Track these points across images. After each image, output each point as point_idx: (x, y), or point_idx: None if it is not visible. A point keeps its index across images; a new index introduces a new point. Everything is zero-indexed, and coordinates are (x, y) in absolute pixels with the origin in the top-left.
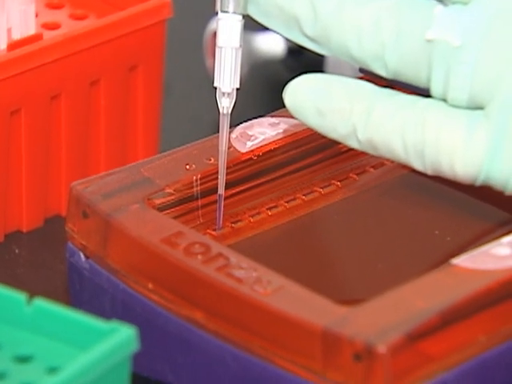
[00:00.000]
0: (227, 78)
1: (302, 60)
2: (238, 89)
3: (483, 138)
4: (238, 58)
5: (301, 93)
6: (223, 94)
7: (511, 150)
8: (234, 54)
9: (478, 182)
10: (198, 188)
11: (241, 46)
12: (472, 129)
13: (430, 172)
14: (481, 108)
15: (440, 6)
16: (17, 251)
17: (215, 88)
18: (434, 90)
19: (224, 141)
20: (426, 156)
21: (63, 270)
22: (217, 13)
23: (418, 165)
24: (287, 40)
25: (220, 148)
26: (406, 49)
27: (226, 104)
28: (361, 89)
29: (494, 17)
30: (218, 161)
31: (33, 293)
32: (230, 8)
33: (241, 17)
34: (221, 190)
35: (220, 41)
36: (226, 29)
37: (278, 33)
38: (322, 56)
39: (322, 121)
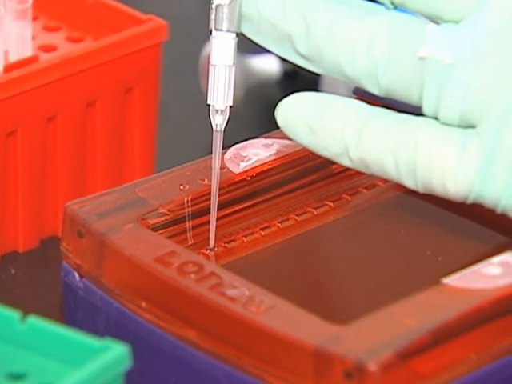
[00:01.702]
0: (220, 95)
1: (297, 82)
2: (231, 107)
3: (475, 157)
4: (231, 76)
5: (292, 111)
6: (216, 111)
7: (502, 169)
8: (228, 72)
9: (470, 201)
10: (192, 208)
11: (234, 64)
12: (464, 147)
13: (421, 190)
14: (472, 126)
15: (432, 24)
16: (13, 271)
17: (209, 107)
18: (425, 108)
19: (217, 158)
20: (418, 174)
21: (59, 290)
22: (211, 31)
23: (409, 183)
24: (282, 62)
25: (213, 165)
26: (399, 67)
27: (219, 121)
28: (353, 107)
29: (485, 37)
30: (211, 181)
31: (29, 312)
32: (224, 26)
33: (234, 35)
34: (213, 209)
35: (214, 59)
36: (220, 47)
37: (271, 51)
38: (317, 78)
39: (314, 139)
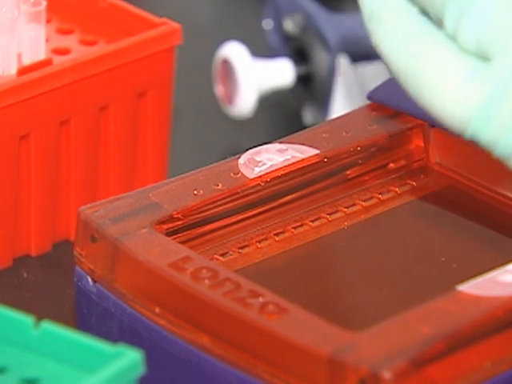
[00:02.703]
0: None
1: (311, 86)
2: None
3: (480, 88)
4: None
5: None
6: None
7: (507, 109)
8: None
9: (468, 135)
10: (206, 213)
11: None
12: (472, 75)
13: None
14: (488, 60)
15: None
16: (25, 275)
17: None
18: (447, 26)
19: None
20: (423, 92)
21: (71, 294)
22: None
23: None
24: (296, 66)
25: None
26: None
27: None
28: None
29: None
30: (225, 186)
31: (41, 316)
32: None
33: None
34: None
35: None
36: None
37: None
38: (331, 82)
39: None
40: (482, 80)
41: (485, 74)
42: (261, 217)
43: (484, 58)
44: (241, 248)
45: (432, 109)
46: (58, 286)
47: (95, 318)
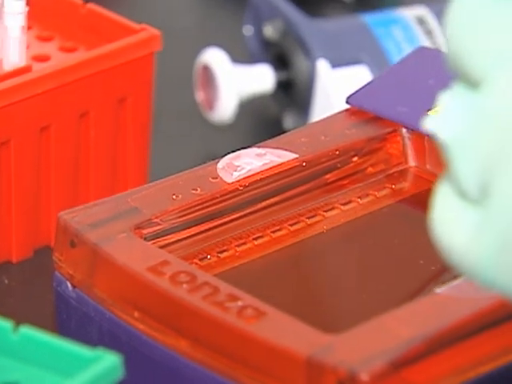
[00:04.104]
0: None
1: (291, 92)
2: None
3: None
4: None
5: None
6: None
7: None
8: None
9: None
10: (184, 218)
11: None
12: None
13: None
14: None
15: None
16: (6, 282)
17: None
18: None
19: None
20: None
21: (52, 299)
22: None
23: None
24: (276, 72)
25: None
26: None
27: None
28: None
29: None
30: (204, 191)
31: (22, 322)
32: None
33: None
34: None
35: None
36: None
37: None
38: (311, 88)
39: None
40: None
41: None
42: (239, 221)
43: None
44: (220, 252)
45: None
46: (40, 292)
47: (75, 322)
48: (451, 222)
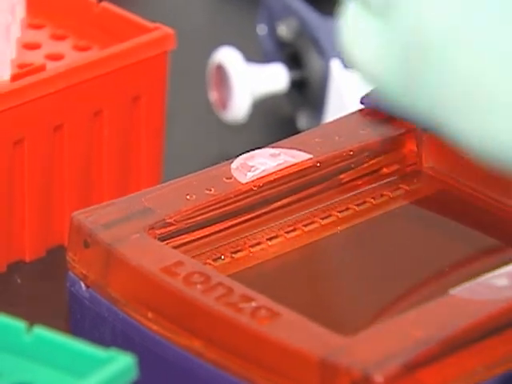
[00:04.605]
0: None
1: (305, 92)
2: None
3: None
4: None
5: None
6: None
7: None
8: None
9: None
10: (198, 218)
11: None
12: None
13: None
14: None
15: None
16: (19, 281)
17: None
18: None
19: None
20: None
21: (65, 299)
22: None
23: None
24: (290, 71)
25: None
26: None
27: None
28: None
29: None
30: (218, 191)
31: (35, 322)
32: None
33: None
34: None
35: None
36: None
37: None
38: (325, 87)
39: None
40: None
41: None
42: (253, 221)
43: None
44: (233, 253)
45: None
46: (52, 292)
47: (88, 323)
48: (358, 35)
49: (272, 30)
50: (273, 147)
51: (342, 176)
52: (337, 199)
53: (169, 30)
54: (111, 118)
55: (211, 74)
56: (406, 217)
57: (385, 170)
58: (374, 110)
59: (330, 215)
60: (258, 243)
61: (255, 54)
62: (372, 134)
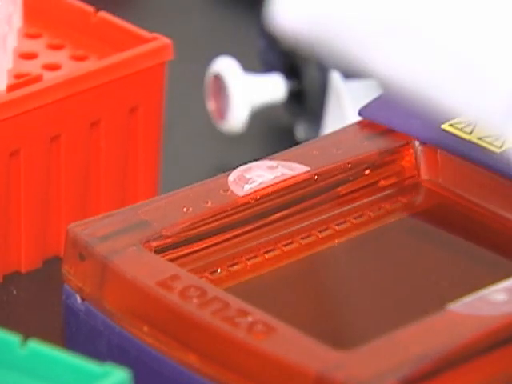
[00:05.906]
0: None
1: (303, 104)
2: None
3: None
4: None
5: None
6: None
7: None
8: None
9: None
10: (195, 231)
11: None
12: None
13: None
14: None
15: None
16: (15, 292)
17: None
18: None
19: None
20: None
21: (61, 311)
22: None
23: None
24: (288, 81)
25: None
26: None
27: None
28: None
29: None
30: (215, 204)
31: (30, 334)
32: None
33: None
34: None
35: None
36: None
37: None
38: (323, 98)
39: None
40: None
41: None
42: (250, 234)
43: None
44: (230, 266)
45: None
46: (48, 303)
47: (83, 336)
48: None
49: (271, 41)
50: (270, 159)
51: (339, 189)
52: (334, 212)
53: (166, 41)
54: (108, 128)
55: (209, 83)
56: (404, 230)
57: (383, 183)
58: (372, 122)
59: (327, 228)
60: (255, 256)
61: (254, 64)
62: (370, 147)
